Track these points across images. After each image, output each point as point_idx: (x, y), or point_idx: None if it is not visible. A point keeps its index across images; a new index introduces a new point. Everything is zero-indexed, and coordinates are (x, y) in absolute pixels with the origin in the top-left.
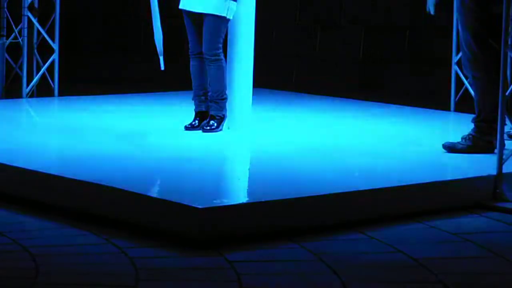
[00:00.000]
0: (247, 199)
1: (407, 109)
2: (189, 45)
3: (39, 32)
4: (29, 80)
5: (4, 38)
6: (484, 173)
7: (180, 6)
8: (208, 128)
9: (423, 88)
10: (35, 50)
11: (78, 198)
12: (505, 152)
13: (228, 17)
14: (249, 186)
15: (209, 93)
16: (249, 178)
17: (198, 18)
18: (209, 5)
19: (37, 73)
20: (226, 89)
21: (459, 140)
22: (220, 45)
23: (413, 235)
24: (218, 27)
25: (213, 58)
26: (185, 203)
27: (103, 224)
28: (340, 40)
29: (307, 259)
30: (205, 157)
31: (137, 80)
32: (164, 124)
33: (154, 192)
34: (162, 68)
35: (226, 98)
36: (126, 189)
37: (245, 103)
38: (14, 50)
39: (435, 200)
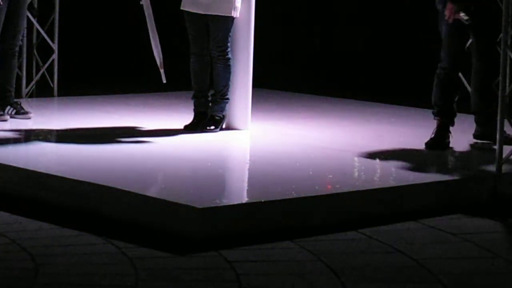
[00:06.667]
0: (247, 199)
1: (406, 109)
2: (191, 45)
3: (38, 32)
4: (28, 80)
5: None
6: (484, 173)
7: (184, 8)
8: (208, 128)
9: (423, 88)
10: (35, 50)
11: (78, 198)
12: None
13: (234, 16)
14: (249, 186)
15: (212, 92)
16: (249, 178)
17: (202, 19)
18: (216, 6)
19: (37, 73)
20: (229, 90)
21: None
22: (229, 44)
23: (413, 235)
24: (226, 27)
25: (221, 57)
26: (185, 203)
27: (103, 224)
28: (340, 40)
29: (307, 259)
30: (204, 157)
31: (137, 80)
32: (164, 124)
33: (154, 192)
34: (164, 81)
35: (228, 99)
36: (126, 189)
37: (245, 103)
38: None
39: (435, 200)
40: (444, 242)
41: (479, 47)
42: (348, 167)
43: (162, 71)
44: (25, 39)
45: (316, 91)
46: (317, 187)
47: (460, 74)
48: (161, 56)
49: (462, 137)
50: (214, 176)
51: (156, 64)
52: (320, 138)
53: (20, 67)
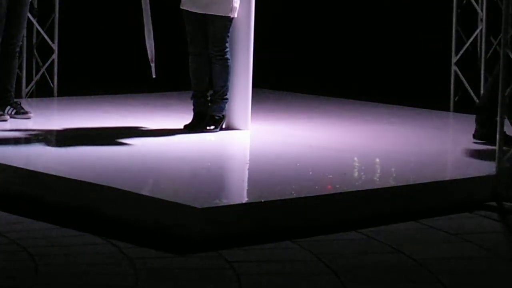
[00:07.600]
0: (247, 199)
1: (407, 109)
2: (189, 44)
3: (38, 32)
4: (28, 80)
5: None
6: (484, 173)
7: (183, 7)
8: (208, 128)
9: (423, 88)
10: (35, 50)
11: (78, 198)
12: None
13: (232, 16)
14: (249, 186)
15: (211, 92)
16: (249, 178)
17: (201, 18)
18: (214, 6)
19: (37, 73)
20: (228, 90)
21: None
22: (227, 44)
23: (413, 235)
24: (224, 27)
25: (219, 57)
26: (185, 203)
27: (103, 224)
28: (339, 40)
29: (307, 259)
30: (205, 157)
31: (137, 80)
32: (164, 124)
33: (154, 192)
34: (154, 76)
35: (227, 99)
36: (126, 189)
37: (245, 103)
38: None
39: (435, 200)
40: (444, 242)
41: None
42: (348, 167)
43: (152, 65)
44: (25, 39)
45: (316, 91)
46: (317, 187)
47: (459, 73)
48: (153, 50)
49: (462, 137)
50: (214, 176)
51: (154, 61)
52: (320, 138)
53: (20, 67)
